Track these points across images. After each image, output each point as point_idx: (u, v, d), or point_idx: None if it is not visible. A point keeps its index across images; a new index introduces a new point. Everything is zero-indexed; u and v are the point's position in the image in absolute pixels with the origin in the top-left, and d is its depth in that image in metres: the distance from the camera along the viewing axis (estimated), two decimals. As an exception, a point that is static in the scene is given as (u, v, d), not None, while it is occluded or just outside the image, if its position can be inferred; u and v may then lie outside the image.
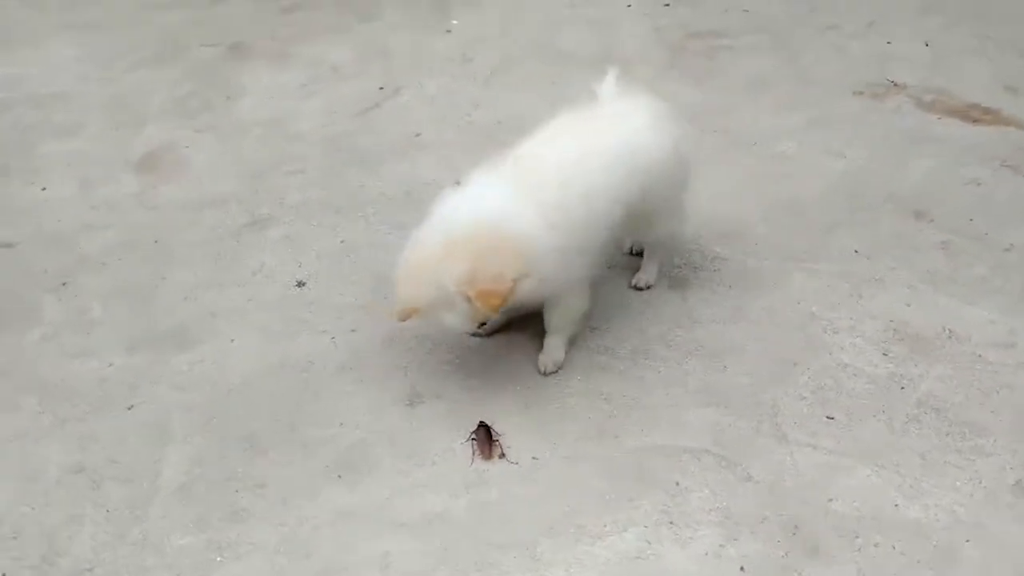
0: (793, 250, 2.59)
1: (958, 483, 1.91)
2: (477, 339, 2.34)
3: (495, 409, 2.15)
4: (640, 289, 2.45)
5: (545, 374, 2.21)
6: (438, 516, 1.94)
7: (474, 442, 2.05)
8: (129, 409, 2.27)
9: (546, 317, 2.22)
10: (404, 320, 2.06)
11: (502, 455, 2.03)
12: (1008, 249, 2.53)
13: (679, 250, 2.58)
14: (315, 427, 2.17)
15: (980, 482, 1.91)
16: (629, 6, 4.12)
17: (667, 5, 4.10)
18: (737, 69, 3.51)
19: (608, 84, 2.29)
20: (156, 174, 3.18)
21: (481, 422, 2.08)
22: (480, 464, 2.03)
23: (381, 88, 3.64)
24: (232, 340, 2.46)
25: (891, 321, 2.32)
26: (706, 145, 3.06)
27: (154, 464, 2.12)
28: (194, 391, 2.31)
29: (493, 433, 2.06)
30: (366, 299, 2.55)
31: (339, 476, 2.06)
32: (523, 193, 2.03)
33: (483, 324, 2.15)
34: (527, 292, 1.99)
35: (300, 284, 2.65)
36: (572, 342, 2.27)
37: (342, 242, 2.80)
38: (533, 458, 2.05)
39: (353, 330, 2.46)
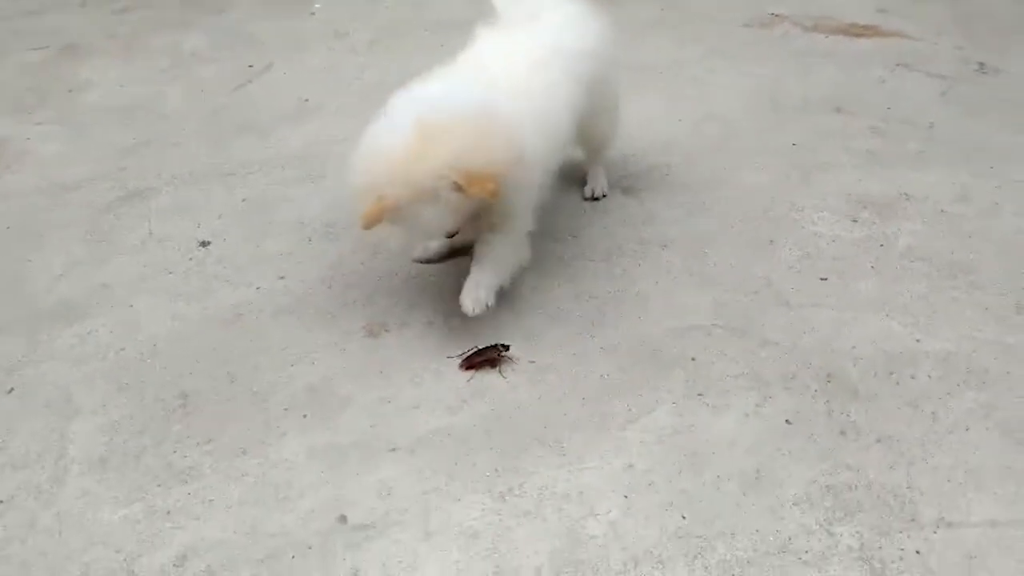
0: (733, 151, 2.54)
1: (966, 313, 1.86)
2: (426, 271, 2.07)
3: (475, 327, 1.88)
4: (596, 199, 2.30)
5: (472, 314, 1.81)
6: (436, 433, 1.64)
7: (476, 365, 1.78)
8: (9, 392, 1.81)
9: (481, 253, 1.87)
10: (371, 226, 1.68)
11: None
12: (931, 127, 2.59)
13: (624, 160, 2.45)
14: (262, 373, 1.82)
15: (986, 309, 1.87)
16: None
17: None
18: (629, 15, 3.50)
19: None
20: (-5, 167, 2.70)
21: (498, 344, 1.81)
22: (478, 377, 1.75)
23: (251, 66, 3.35)
24: (131, 306, 2.06)
25: (850, 194, 2.28)
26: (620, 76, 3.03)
27: (57, 442, 1.68)
28: (94, 362, 1.88)
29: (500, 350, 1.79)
30: (288, 248, 2.22)
31: (304, 416, 1.71)
32: (493, 84, 1.83)
33: (453, 235, 1.84)
34: (509, 185, 1.73)
35: (204, 244, 2.28)
36: (500, 292, 1.88)
37: (244, 200, 2.47)
38: (530, 361, 1.79)
39: (281, 277, 2.12)
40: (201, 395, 1.77)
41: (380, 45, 3.49)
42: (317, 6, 3.95)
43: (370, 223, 1.68)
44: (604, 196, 2.32)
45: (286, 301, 2.03)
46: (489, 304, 1.82)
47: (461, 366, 1.78)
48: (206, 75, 3.29)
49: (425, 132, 1.64)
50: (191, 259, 2.22)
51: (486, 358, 1.77)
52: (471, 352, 1.79)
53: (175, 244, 2.28)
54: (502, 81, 1.84)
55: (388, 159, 1.66)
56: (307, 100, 3.05)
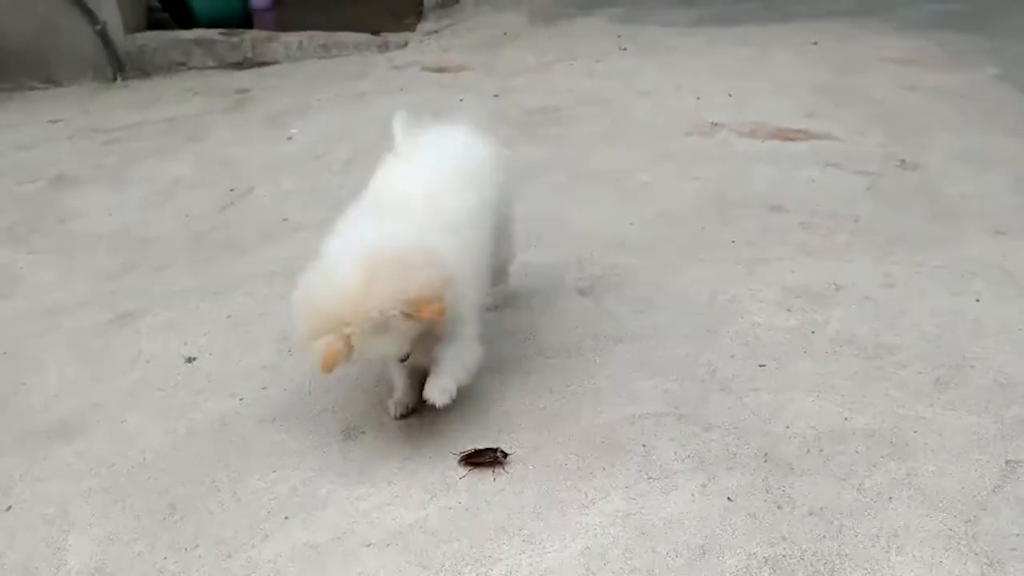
0: (679, 248, 2.76)
1: (889, 391, 2.04)
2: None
3: (443, 425, 2.04)
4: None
5: (440, 404, 1.92)
6: (410, 527, 1.77)
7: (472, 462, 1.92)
8: (7, 510, 1.93)
9: (438, 357, 1.95)
10: (331, 368, 1.78)
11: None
12: (857, 220, 2.84)
13: (581, 263, 2.67)
14: (246, 479, 1.95)
15: (907, 386, 2.05)
16: (461, 100, 4.38)
17: (496, 96, 4.40)
18: (580, 130, 3.81)
19: (400, 123, 2.25)
20: (-11, 295, 2.88)
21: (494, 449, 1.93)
22: (446, 472, 1.90)
23: (232, 189, 3.58)
24: (124, 422, 2.20)
25: (784, 286, 2.50)
26: (572, 183, 3.29)
27: (55, 554, 1.80)
28: (89, 478, 2.02)
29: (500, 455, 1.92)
30: (270, 361, 2.39)
31: (286, 518, 1.84)
32: (410, 220, 1.96)
33: (405, 359, 1.95)
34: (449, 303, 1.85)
35: (191, 360, 2.45)
36: (460, 388, 1.97)
37: (229, 317, 2.64)
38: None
39: (264, 388, 2.28)
40: (189, 503, 1.90)
41: (355, 165, 3.72)
42: (294, 131, 4.23)
43: (330, 365, 1.78)
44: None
45: (269, 410, 2.18)
46: (452, 395, 1.93)
47: (460, 462, 1.91)
48: (190, 200, 3.51)
49: (368, 270, 1.78)
50: (179, 375, 2.37)
51: (486, 460, 1.90)
52: (472, 452, 1.92)
53: (163, 361, 2.44)
54: (421, 210, 1.97)
55: (339, 299, 1.77)
56: (286, 219, 3.27)
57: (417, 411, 2.08)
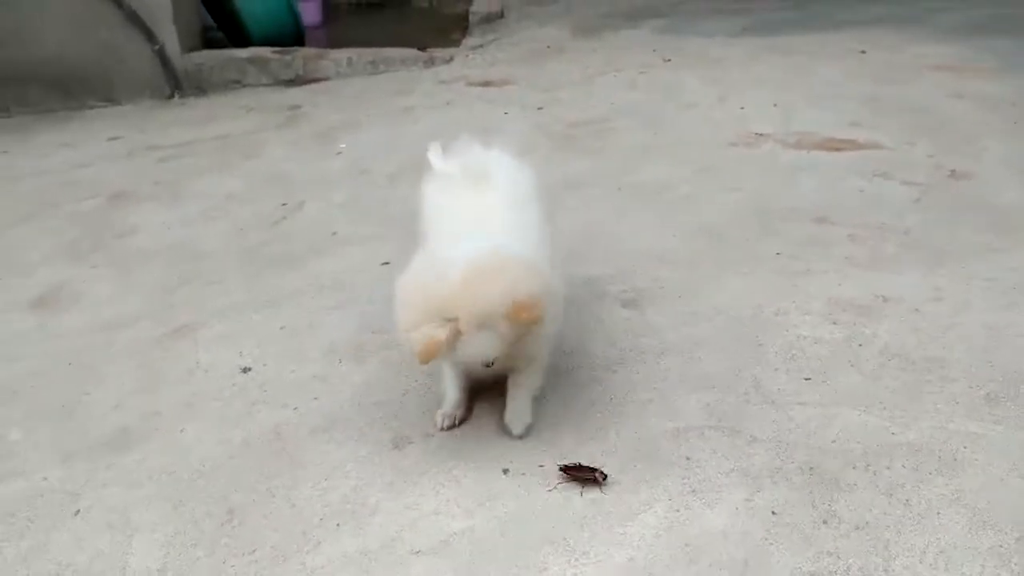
0: (722, 261, 2.76)
1: (938, 405, 2.02)
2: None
3: (488, 435, 2.08)
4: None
5: (520, 434, 2.07)
6: (457, 536, 1.82)
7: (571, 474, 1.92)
8: (76, 515, 2.03)
9: (516, 379, 2.09)
10: (428, 359, 1.88)
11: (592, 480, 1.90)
12: (906, 232, 2.82)
13: (624, 275, 2.69)
14: (299, 487, 2.02)
15: (956, 401, 2.03)
16: (506, 113, 4.44)
17: (540, 109, 4.45)
18: (622, 142, 3.83)
19: (436, 154, 2.35)
20: (54, 308, 3.02)
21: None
22: (493, 482, 1.94)
23: (284, 204, 3.68)
24: (182, 431, 2.28)
25: (830, 299, 2.49)
26: (614, 196, 3.31)
27: (120, 558, 1.88)
28: (150, 484, 2.10)
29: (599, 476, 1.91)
30: (321, 371, 2.46)
31: (337, 525, 1.90)
32: (504, 235, 2.03)
33: (490, 364, 1.99)
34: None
35: (246, 370, 2.53)
36: (536, 404, 2.12)
37: (282, 328, 2.72)
38: (539, 466, 1.98)
39: (316, 398, 2.35)
40: (245, 510, 1.97)
41: (400, 179, 3.81)
42: (342, 146, 4.33)
43: (430, 355, 1.87)
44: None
45: (320, 420, 2.25)
46: (529, 424, 2.07)
47: (560, 471, 1.93)
48: (243, 215, 3.62)
49: (479, 269, 1.88)
50: (234, 385, 2.45)
51: (585, 475, 1.90)
52: (575, 465, 1.93)
53: (219, 372, 2.52)
54: (507, 230, 2.05)
55: (449, 290, 1.86)
56: (335, 233, 3.35)
57: (464, 421, 2.13)
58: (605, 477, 1.89)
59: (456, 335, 1.86)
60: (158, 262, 3.29)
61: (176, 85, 5.38)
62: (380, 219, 3.43)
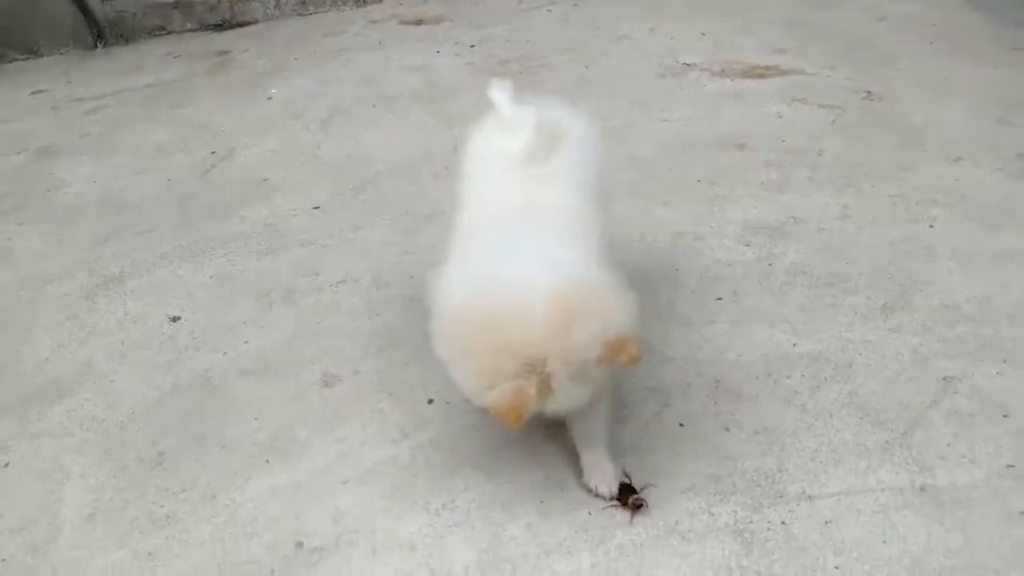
0: (648, 191, 2.82)
1: (838, 317, 2.13)
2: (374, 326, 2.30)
3: (416, 366, 2.14)
4: None
5: (611, 494, 1.71)
6: (383, 464, 1.88)
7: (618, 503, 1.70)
8: (6, 467, 2.05)
9: (589, 429, 1.73)
10: (520, 418, 1.44)
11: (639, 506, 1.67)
12: (820, 154, 2.90)
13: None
14: (229, 428, 2.06)
15: (855, 312, 2.14)
16: (438, 52, 4.39)
17: (473, 47, 4.42)
18: (555, 78, 3.83)
19: (502, 93, 1.88)
20: (-20, 268, 2.96)
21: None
22: (417, 412, 1.99)
23: (213, 152, 3.63)
24: (112, 380, 2.30)
25: (745, 222, 2.57)
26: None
27: (52, 505, 1.91)
28: (81, 433, 2.12)
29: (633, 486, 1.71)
30: (251, 317, 2.48)
31: (267, 461, 1.95)
32: (578, 244, 1.62)
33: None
34: None
35: (175, 319, 2.54)
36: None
37: (211, 276, 2.73)
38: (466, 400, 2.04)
39: (246, 342, 2.38)
40: (175, 453, 2.01)
41: (333, 123, 3.79)
42: (273, 92, 4.26)
43: (521, 414, 1.42)
44: None
45: (250, 363, 2.28)
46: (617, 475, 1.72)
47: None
48: (172, 165, 3.57)
49: (567, 307, 1.43)
50: (163, 333, 2.47)
51: (626, 499, 1.69)
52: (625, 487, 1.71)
53: (148, 322, 2.53)
54: (583, 233, 1.64)
55: (533, 335, 1.41)
56: (266, 180, 3.33)
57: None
58: (639, 507, 1.66)
59: (547, 387, 1.44)
60: (87, 215, 3.24)
61: (99, 34, 5.20)
62: (312, 165, 3.42)
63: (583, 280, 1.49)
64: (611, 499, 1.70)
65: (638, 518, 1.67)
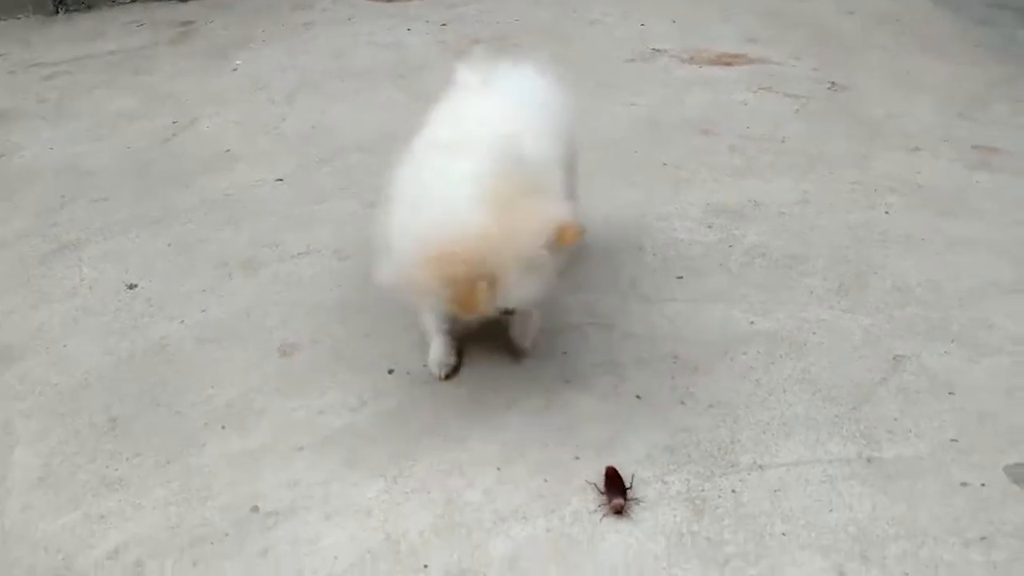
0: (612, 172, 2.84)
1: (795, 297, 2.17)
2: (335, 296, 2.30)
3: (376, 336, 2.13)
4: None
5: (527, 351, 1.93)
6: (340, 431, 1.88)
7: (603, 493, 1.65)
8: (-47, 431, 2.00)
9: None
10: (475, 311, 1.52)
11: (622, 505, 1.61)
12: (783, 141, 2.94)
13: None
14: (184, 395, 2.04)
15: (811, 292, 2.19)
16: (409, 30, 4.36)
17: (444, 25, 4.39)
18: (528, 57, 3.82)
19: (468, 74, 2.02)
20: (-72, 234, 2.88)
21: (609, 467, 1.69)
22: (377, 381, 1.98)
23: (175, 122, 3.57)
24: (65, 346, 2.26)
25: (708, 204, 2.60)
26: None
27: (1, 469, 1.87)
28: (33, 397, 2.08)
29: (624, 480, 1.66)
30: (209, 285, 2.45)
31: (223, 428, 1.93)
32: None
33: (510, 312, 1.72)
34: None
35: (132, 286, 2.50)
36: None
37: (169, 245, 2.69)
38: (423, 366, 2.04)
39: (203, 311, 2.35)
40: (129, 418, 1.98)
41: (299, 96, 3.74)
42: (238, 63, 4.20)
43: (479, 306, 1.50)
44: None
45: (208, 331, 2.25)
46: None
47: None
48: (132, 133, 3.50)
49: (503, 201, 1.49)
50: (120, 301, 2.43)
51: (612, 494, 1.63)
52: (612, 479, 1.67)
53: (105, 288, 2.49)
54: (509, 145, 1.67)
55: (479, 238, 1.47)
56: (228, 150, 3.28)
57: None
58: (622, 507, 1.60)
59: (500, 285, 1.51)
60: (42, 181, 3.17)
61: (60, 0, 5.07)
62: (276, 136, 3.38)
63: (517, 176, 1.55)
64: (601, 494, 1.64)
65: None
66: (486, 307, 1.54)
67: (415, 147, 1.80)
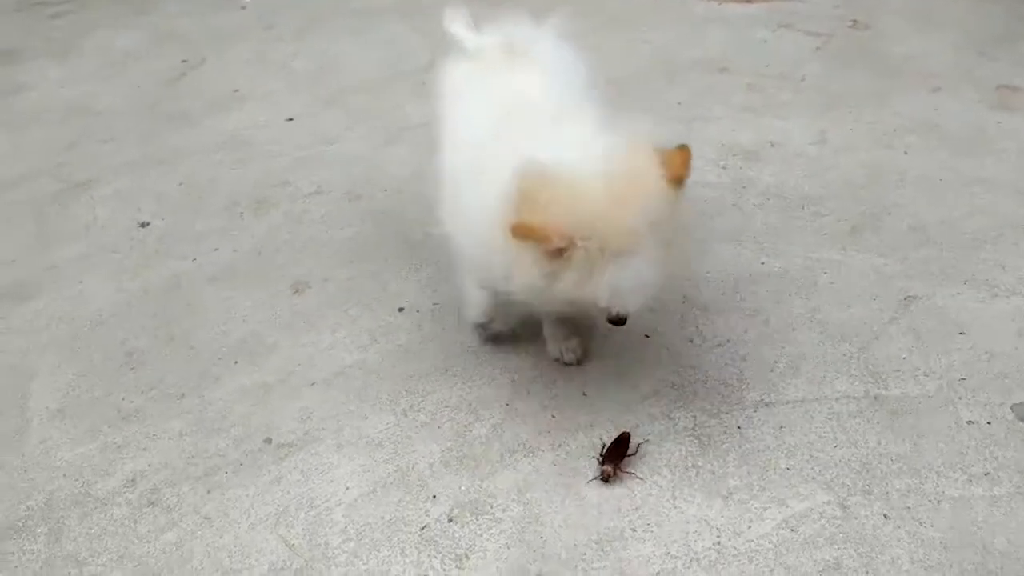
0: (622, 110, 2.78)
1: (807, 238, 2.15)
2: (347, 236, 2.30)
3: (386, 275, 2.14)
4: None
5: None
6: (351, 367, 1.90)
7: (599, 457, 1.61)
8: (-30, 364, 2.04)
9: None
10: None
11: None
12: (802, 79, 2.88)
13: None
14: (198, 331, 2.06)
15: (824, 233, 2.17)
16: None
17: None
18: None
19: (459, 24, 1.89)
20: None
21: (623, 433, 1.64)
22: (387, 318, 2.00)
23: (184, 61, 3.54)
24: (80, 282, 2.28)
25: (722, 144, 2.56)
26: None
27: (19, 400, 1.91)
28: (48, 332, 2.11)
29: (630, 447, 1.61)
30: (220, 225, 2.46)
31: (236, 363, 1.96)
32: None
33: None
34: None
35: (144, 225, 2.51)
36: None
37: (180, 184, 2.69)
38: (434, 304, 2.05)
39: (216, 249, 2.36)
40: (144, 353, 2.01)
41: (307, 34, 3.70)
42: (246, 1, 4.14)
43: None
44: None
45: (220, 269, 2.27)
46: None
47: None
48: (140, 72, 3.48)
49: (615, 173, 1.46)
50: (132, 239, 2.44)
51: (613, 458, 1.59)
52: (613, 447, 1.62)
53: (117, 227, 2.50)
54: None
55: (591, 206, 1.40)
56: (237, 90, 3.26)
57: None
58: (612, 473, 1.57)
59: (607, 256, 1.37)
60: (51, 120, 3.17)
61: (64, -65, 4.97)
62: (285, 75, 3.34)
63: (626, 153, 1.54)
64: (599, 458, 1.60)
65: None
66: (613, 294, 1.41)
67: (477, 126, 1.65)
